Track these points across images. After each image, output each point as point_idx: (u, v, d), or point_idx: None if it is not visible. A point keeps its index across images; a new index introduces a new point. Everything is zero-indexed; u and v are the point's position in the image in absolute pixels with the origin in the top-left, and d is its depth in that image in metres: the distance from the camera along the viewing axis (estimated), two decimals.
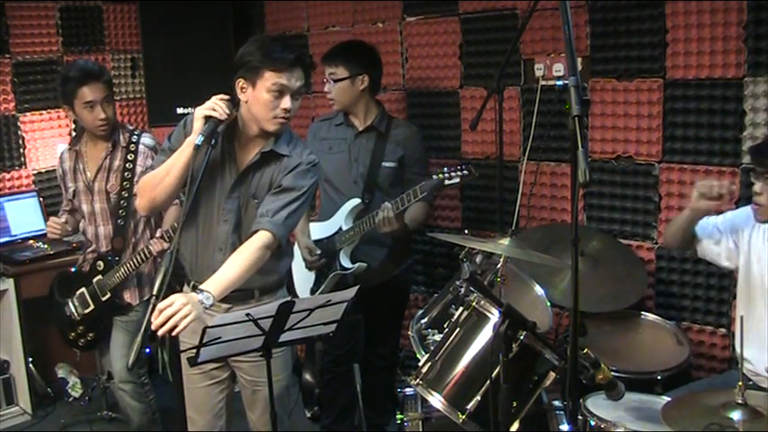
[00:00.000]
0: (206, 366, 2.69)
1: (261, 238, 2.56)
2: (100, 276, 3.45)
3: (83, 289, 3.50)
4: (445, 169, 3.19)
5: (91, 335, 3.55)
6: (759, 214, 2.63)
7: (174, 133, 2.72)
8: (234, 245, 2.64)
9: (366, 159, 3.55)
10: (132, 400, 3.60)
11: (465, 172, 3.17)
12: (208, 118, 2.52)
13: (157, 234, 3.37)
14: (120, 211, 3.41)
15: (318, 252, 3.47)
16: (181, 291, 3.44)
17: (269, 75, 2.54)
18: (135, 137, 3.46)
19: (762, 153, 2.61)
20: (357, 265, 3.46)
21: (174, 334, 2.33)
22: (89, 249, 3.54)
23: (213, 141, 2.50)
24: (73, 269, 3.67)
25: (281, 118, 2.59)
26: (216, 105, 2.53)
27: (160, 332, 2.31)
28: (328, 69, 3.53)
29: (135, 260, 3.36)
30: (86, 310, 3.50)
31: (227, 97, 2.59)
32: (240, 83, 2.60)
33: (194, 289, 2.54)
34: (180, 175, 2.54)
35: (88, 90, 3.32)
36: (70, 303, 3.55)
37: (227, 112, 2.54)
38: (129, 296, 3.48)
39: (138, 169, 3.39)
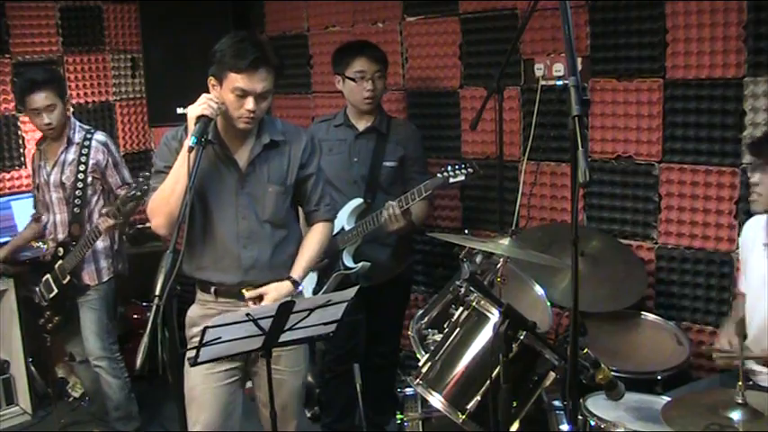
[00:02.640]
0: (218, 367, 2.70)
1: (324, 227, 2.88)
2: (60, 261, 3.70)
3: (47, 275, 3.75)
4: (449, 167, 3.20)
5: (57, 318, 3.80)
6: (756, 205, 2.68)
7: (160, 153, 2.72)
8: (262, 236, 2.71)
9: (367, 160, 3.55)
10: (109, 377, 3.79)
11: (470, 170, 3.18)
12: (200, 117, 2.51)
13: (103, 211, 3.60)
14: (76, 200, 3.68)
15: None
16: (180, 291, 3.43)
17: (232, 76, 2.55)
18: (89, 134, 3.73)
19: (760, 145, 2.68)
20: (360, 264, 3.46)
21: None
22: (50, 238, 3.80)
23: (203, 140, 2.48)
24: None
25: (247, 118, 2.60)
26: (207, 104, 2.52)
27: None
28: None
29: (87, 241, 3.61)
30: (51, 295, 3.76)
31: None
32: (211, 80, 2.62)
33: (217, 294, 2.73)
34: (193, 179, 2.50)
35: (33, 98, 3.57)
36: (37, 290, 3.81)
37: (217, 112, 2.54)
38: (88, 278, 3.73)
39: (91, 162, 3.68)
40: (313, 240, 2.86)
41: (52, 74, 3.79)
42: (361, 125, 3.59)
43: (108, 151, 3.73)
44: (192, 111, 2.52)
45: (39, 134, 3.99)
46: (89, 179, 3.69)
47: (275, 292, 2.67)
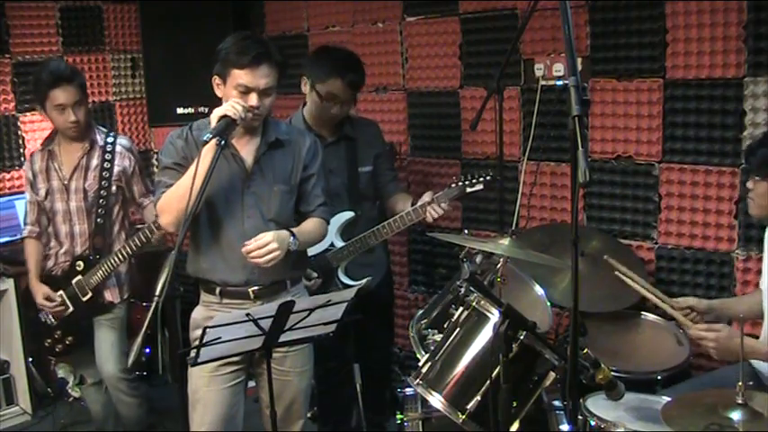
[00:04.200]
0: (222, 369, 2.70)
1: (319, 220, 2.86)
2: (79, 277, 3.41)
3: (60, 292, 3.45)
4: (468, 176, 3.16)
5: (69, 339, 3.51)
6: (750, 209, 2.71)
7: (166, 151, 2.71)
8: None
9: (341, 169, 3.43)
10: (128, 398, 3.56)
11: (487, 178, 3.13)
12: (222, 117, 2.52)
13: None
14: (99, 210, 3.41)
15: (315, 275, 3.28)
16: (181, 291, 3.42)
17: (235, 72, 2.57)
18: (111, 137, 3.46)
19: (749, 153, 2.75)
20: (365, 280, 3.34)
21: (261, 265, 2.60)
22: (62, 251, 3.47)
23: (223, 141, 2.48)
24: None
25: (252, 114, 2.60)
26: (232, 106, 2.53)
27: (254, 262, 2.59)
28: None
29: (117, 257, 3.34)
30: (65, 314, 3.46)
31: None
32: (215, 79, 2.64)
33: (222, 295, 2.73)
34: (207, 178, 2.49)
35: (59, 93, 3.26)
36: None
37: (242, 115, 2.54)
38: (111, 295, 3.47)
39: (116, 169, 3.41)
40: (307, 224, 2.83)
41: (76, 70, 3.45)
42: (326, 132, 3.41)
43: (134, 157, 3.48)
44: (217, 111, 2.54)
45: (39, 134, 3.94)
46: (113, 187, 3.41)
47: (274, 233, 2.64)
